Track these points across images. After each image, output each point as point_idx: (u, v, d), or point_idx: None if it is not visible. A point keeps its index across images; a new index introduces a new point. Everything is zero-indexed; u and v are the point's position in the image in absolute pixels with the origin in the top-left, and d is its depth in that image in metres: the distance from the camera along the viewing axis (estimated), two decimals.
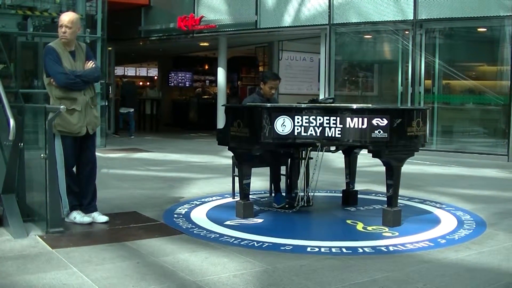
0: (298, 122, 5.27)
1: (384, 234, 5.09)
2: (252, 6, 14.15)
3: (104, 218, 5.37)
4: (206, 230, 5.17)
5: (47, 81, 5.26)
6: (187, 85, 23.99)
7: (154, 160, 10.73)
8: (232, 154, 6.04)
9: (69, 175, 5.29)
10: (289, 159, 6.37)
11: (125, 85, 18.21)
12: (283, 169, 6.50)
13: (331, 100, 6.18)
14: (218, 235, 4.97)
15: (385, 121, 5.06)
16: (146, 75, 28.27)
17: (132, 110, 16.79)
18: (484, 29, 11.82)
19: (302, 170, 6.16)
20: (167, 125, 20.89)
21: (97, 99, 5.65)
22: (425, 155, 10.32)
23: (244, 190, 5.67)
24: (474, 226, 5.43)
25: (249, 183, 5.71)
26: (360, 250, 4.57)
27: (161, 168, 9.60)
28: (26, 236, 4.79)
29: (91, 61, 5.39)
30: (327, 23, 12.90)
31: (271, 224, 5.53)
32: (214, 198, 6.70)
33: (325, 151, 5.90)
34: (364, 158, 6.55)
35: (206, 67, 24.98)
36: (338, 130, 5.16)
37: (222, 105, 6.41)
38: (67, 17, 5.25)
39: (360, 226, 5.39)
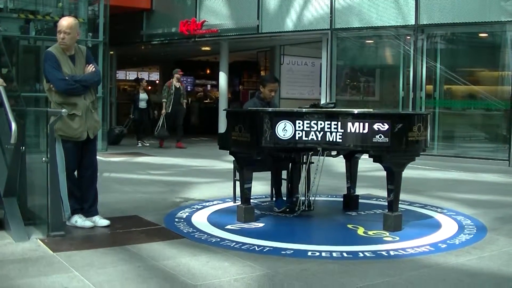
0: (299, 127, 5.27)
1: (385, 238, 5.09)
2: (254, 10, 14.19)
3: (105, 222, 5.37)
4: (207, 234, 5.16)
5: (47, 86, 5.24)
6: (189, 89, 23.99)
7: (155, 164, 10.73)
8: (233, 159, 6.05)
9: (70, 179, 5.27)
10: (290, 164, 6.38)
11: None
12: (284, 174, 6.50)
13: (332, 105, 6.20)
14: (219, 239, 4.97)
15: (386, 126, 5.06)
16: (147, 79, 28.32)
17: None
18: (486, 35, 11.84)
19: (303, 174, 6.16)
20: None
21: (97, 103, 5.63)
22: (426, 160, 10.32)
23: (245, 195, 5.68)
24: (475, 231, 5.42)
25: (250, 188, 5.72)
26: (361, 255, 4.57)
27: (162, 172, 9.61)
28: (27, 239, 4.79)
29: (91, 65, 5.35)
30: (328, 28, 12.94)
31: (272, 229, 5.53)
32: (215, 202, 6.70)
33: (326, 156, 5.90)
34: (365, 163, 6.55)
35: (208, 71, 25.01)
36: (339, 135, 5.17)
37: (224, 110, 6.41)
38: (65, 23, 5.20)
39: (361, 231, 5.39)
